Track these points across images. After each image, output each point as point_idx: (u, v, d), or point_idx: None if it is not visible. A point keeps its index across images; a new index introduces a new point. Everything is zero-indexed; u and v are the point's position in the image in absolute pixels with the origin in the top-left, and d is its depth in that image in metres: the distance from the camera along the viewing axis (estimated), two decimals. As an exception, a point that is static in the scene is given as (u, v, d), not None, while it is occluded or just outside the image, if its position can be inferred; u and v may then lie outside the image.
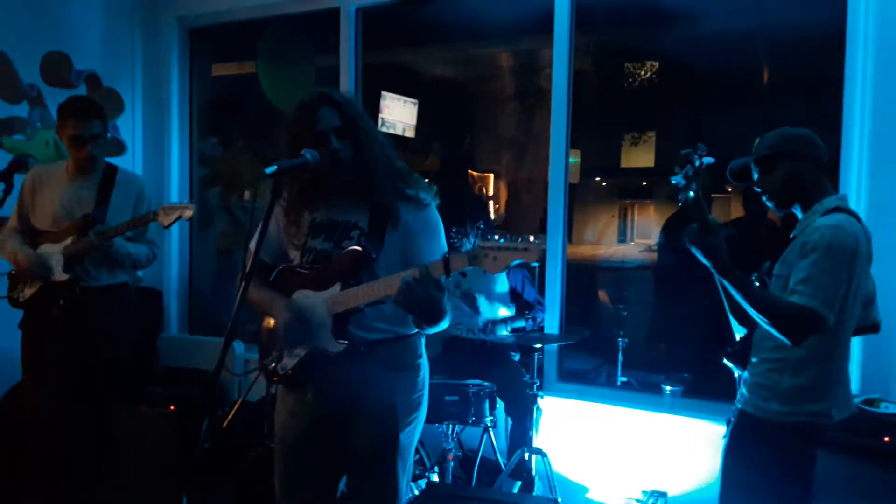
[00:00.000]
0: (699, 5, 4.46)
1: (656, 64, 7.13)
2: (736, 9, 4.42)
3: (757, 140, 2.17)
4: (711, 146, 2.06)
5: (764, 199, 2.17)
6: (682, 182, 2.00)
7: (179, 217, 2.99)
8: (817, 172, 2.10)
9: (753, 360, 2.13)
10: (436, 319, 2.03)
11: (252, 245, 2.18)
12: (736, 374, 2.25)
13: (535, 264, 1.87)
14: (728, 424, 2.22)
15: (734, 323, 2.26)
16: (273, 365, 2.14)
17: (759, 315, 1.93)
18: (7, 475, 3.40)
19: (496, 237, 1.83)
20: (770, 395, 2.04)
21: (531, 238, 1.81)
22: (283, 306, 2.09)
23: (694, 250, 1.99)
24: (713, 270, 2.00)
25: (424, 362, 2.22)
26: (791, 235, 2.11)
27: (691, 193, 1.99)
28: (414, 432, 2.19)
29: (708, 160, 1.97)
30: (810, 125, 2.18)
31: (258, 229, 2.20)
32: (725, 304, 2.21)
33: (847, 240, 1.93)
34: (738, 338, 2.25)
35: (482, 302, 3.65)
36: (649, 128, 7.35)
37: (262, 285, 2.15)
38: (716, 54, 5.01)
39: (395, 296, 1.88)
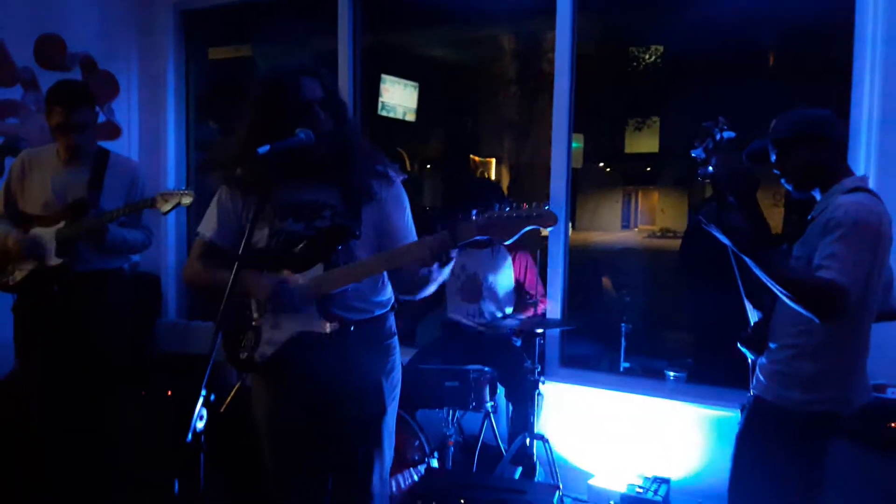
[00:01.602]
0: (705, -13, 4.39)
1: (661, 48, 7.05)
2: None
3: (773, 121, 2.11)
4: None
5: (782, 181, 2.12)
6: (703, 156, 1.93)
7: (178, 204, 2.94)
8: (836, 154, 2.05)
9: (772, 345, 2.08)
10: (429, 289, 2.06)
11: (202, 230, 2.14)
12: (750, 360, 2.20)
13: (551, 229, 1.84)
14: (742, 411, 2.18)
15: (749, 307, 2.21)
16: (246, 354, 2.06)
17: (784, 291, 1.87)
18: (4, 461, 3.38)
19: (506, 207, 1.79)
20: (793, 382, 2.00)
21: (539, 205, 1.77)
22: (266, 288, 1.99)
23: (712, 230, 1.94)
24: (734, 249, 1.93)
25: (396, 340, 2.22)
26: (809, 217, 2.06)
27: (710, 168, 1.93)
28: (395, 408, 2.20)
29: (729, 134, 1.91)
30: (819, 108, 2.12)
31: (210, 213, 2.14)
32: (741, 286, 2.17)
33: (871, 218, 1.89)
34: (752, 322, 2.21)
35: (489, 302, 3.62)
36: (654, 113, 7.28)
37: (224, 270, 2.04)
38: (722, 39, 4.93)
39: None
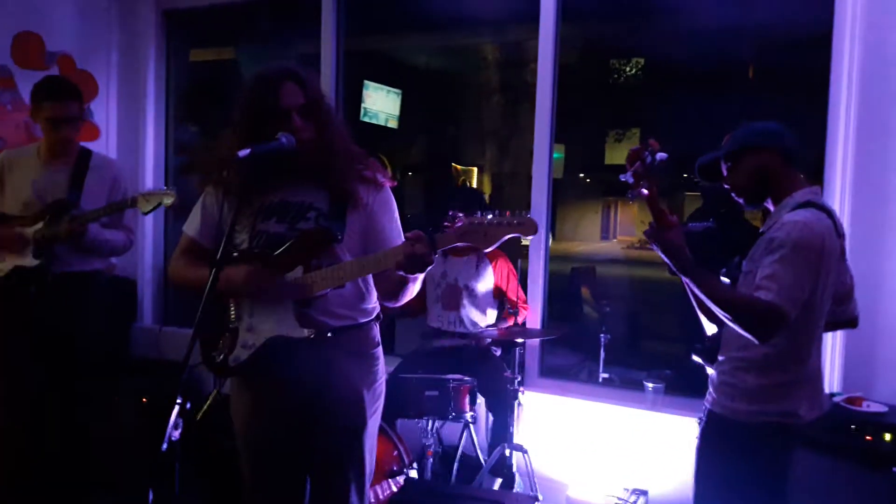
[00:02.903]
0: (686, 2, 4.43)
1: (641, 60, 7.13)
2: (722, 5, 4.39)
3: (725, 137, 2.14)
4: (695, 143, 2.00)
5: (733, 195, 2.13)
6: (630, 180, 1.94)
7: (159, 204, 2.90)
8: (786, 165, 2.05)
9: (721, 358, 2.09)
10: (407, 294, 2.04)
11: (186, 228, 2.15)
12: (708, 372, 2.21)
13: (531, 237, 1.83)
14: (699, 424, 2.18)
15: (704, 320, 2.22)
16: (221, 357, 2.02)
17: (722, 312, 1.89)
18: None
19: (487, 214, 1.78)
20: (736, 393, 2.00)
21: (521, 212, 1.77)
22: (243, 272, 1.95)
23: (654, 248, 1.96)
24: (672, 267, 1.96)
25: (381, 351, 2.19)
26: (761, 231, 2.07)
27: (644, 191, 1.94)
28: (377, 420, 2.16)
29: (661, 156, 1.91)
30: (795, 123, 2.15)
31: (195, 212, 2.14)
32: (693, 300, 2.17)
33: (813, 238, 1.88)
34: (708, 334, 2.21)
35: (470, 310, 3.61)
36: (634, 124, 7.35)
37: (205, 268, 2.01)
38: (701, 51, 4.99)
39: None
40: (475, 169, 7.04)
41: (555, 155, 3.73)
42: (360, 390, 2.07)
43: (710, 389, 2.11)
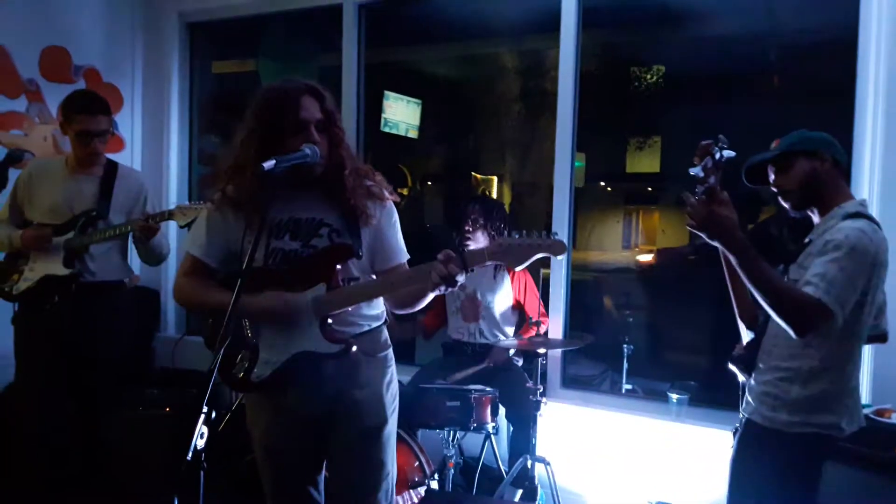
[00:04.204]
0: (708, 8, 4.40)
1: (663, 68, 7.07)
2: (746, 12, 4.35)
3: (773, 142, 2.12)
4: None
5: (780, 198, 2.11)
6: (701, 174, 1.90)
7: (196, 218, 2.93)
8: (837, 174, 2.05)
9: (761, 366, 2.06)
10: (424, 302, 2.05)
11: (190, 247, 2.09)
12: (740, 380, 2.18)
13: (560, 257, 1.86)
14: (734, 434, 2.17)
15: (742, 328, 2.19)
16: (242, 374, 2.00)
17: (765, 298, 1.85)
18: (2, 474, 3.34)
19: (514, 234, 1.81)
20: (778, 403, 1.98)
21: (549, 233, 1.80)
22: (263, 309, 1.95)
23: (700, 230, 1.89)
24: (723, 247, 1.89)
25: (392, 352, 2.22)
26: (807, 240, 2.05)
27: (712, 179, 1.89)
28: (395, 420, 2.19)
29: (729, 153, 1.87)
30: (821, 130, 2.13)
31: (198, 230, 2.10)
32: (734, 305, 2.15)
33: (870, 246, 1.88)
34: (744, 342, 2.19)
35: (489, 321, 3.59)
36: (655, 133, 7.29)
37: (217, 289, 2.02)
38: (724, 59, 4.95)
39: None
40: (495, 178, 7.02)
41: (576, 164, 3.72)
42: (380, 391, 2.12)
43: (749, 398, 2.09)
